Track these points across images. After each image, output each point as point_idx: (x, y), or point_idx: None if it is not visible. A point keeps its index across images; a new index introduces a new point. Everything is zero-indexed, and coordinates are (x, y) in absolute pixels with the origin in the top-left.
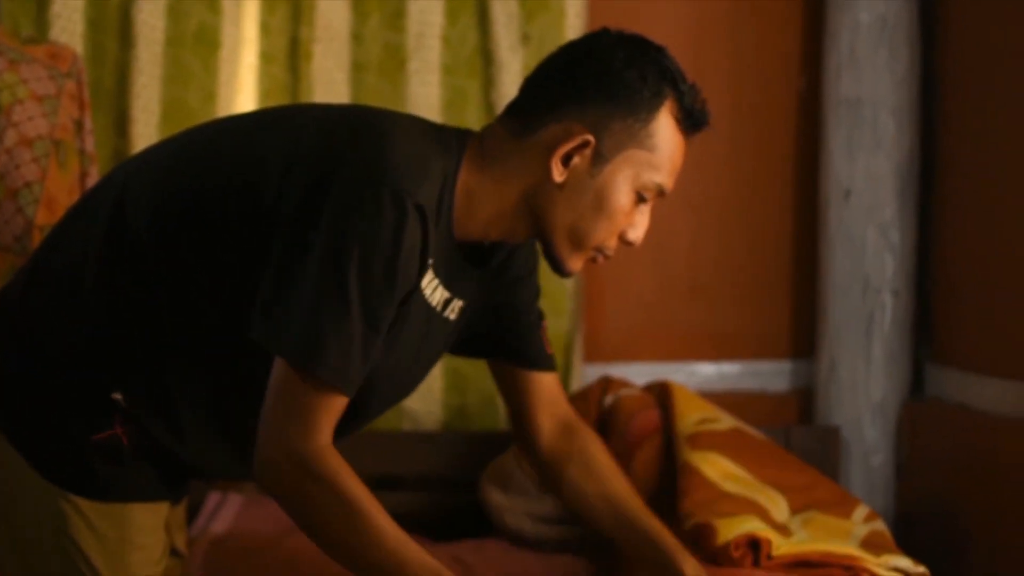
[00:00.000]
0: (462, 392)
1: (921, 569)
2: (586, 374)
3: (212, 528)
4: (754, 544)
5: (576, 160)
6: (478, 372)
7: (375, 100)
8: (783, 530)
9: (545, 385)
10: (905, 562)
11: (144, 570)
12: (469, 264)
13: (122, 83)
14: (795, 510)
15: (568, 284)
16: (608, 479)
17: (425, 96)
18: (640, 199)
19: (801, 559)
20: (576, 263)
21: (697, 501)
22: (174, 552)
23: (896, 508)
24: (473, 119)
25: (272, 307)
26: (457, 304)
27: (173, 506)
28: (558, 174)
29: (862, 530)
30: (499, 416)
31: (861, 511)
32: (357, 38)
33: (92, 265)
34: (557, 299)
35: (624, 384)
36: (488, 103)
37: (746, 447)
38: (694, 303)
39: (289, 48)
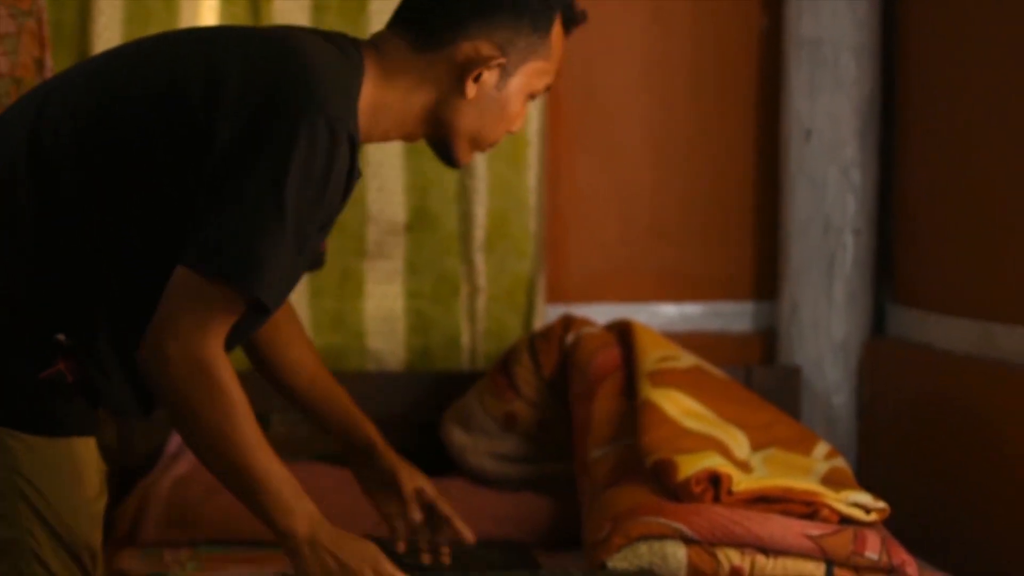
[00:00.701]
0: (425, 333)
1: (881, 504)
2: (549, 315)
3: (175, 468)
4: (715, 480)
5: (485, 76)
6: (441, 312)
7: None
8: (744, 466)
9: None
10: (865, 498)
11: (92, 506)
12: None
13: (83, 23)
14: (756, 447)
15: (530, 226)
16: (295, 348)
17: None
18: (530, 99)
19: (761, 495)
20: (469, 159)
21: (658, 438)
22: None
23: (857, 447)
24: None
25: (207, 230)
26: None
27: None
28: (471, 91)
29: (823, 467)
30: (461, 357)
31: (822, 448)
32: None
33: (19, 198)
34: (520, 240)
35: (586, 323)
36: None
37: (707, 385)
38: (656, 244)
39: None
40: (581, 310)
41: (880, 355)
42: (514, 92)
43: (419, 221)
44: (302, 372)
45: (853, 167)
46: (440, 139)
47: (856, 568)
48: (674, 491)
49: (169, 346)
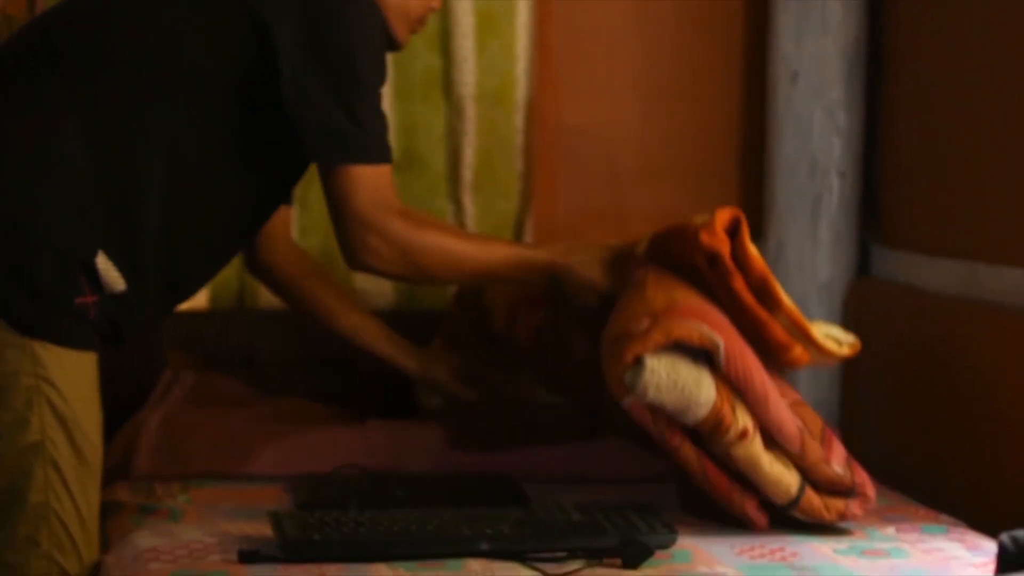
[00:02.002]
0: None
1: (851, 339)
2: None
3: (165, 404)
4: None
5: None
6: None
7: None
8: None
9: (284, 214)
10: (838, 331)
11: (100, 415)
12: None
13: None
14: None
15: (517, 167)
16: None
17: None
18: None
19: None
20: (406, 39)
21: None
22: None
23: (840, 387)
24: None
25: (329, 128)
26: None
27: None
28: None
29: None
30: (448, 296)
31: None
32: None
33: (64, 108)
34: (506, 182)
35: None
36: None
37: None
38: (642, 186)
39: None
40: None
41: (865, 296)
42: None
43: (407, 162)
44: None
45: (839, 109)
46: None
47: (826, 480)
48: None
49: (379, 245)
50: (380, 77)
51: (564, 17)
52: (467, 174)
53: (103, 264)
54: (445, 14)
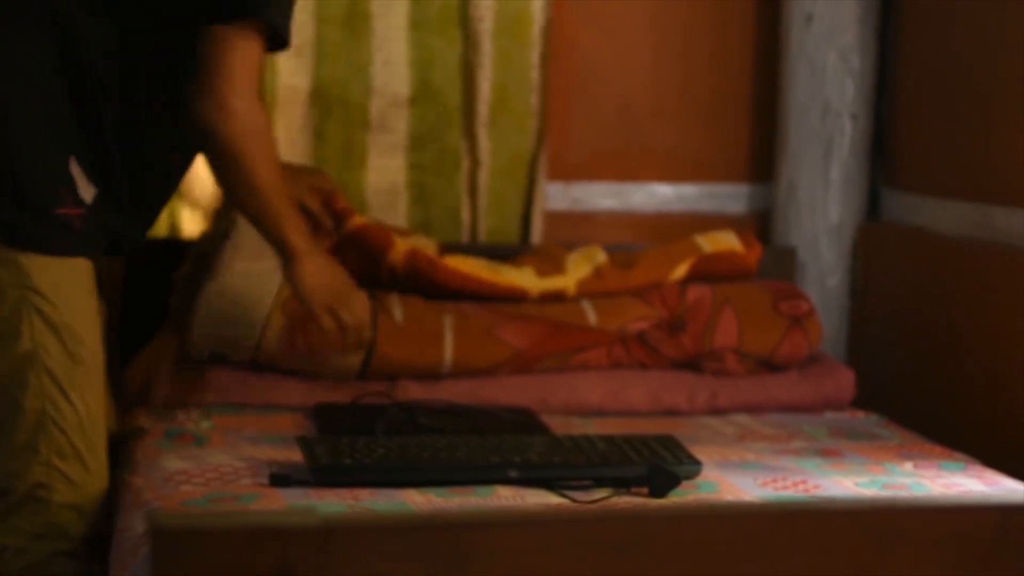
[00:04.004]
0: (425, 206)
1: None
2: (550, 192)
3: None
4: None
5: None
6: (442, 186)
7: None
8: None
9: None
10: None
11: (96, 320)
12: None
13: None
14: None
15: (532, 103)
16: None
17: None
18: None
19: None
20: None
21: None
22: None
23: (850, 329)
24: None
25: None
26: None
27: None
28: None
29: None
30: (461, 229)
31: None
32: None
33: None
34: (521, 117)
35: None
36: None
37: None
38: (655, 125)
39: None
40: (580, 189)
41: (875, 238)
42: None
43: (422, 95)
44: None
45: (852, 52)
46: None
47: None
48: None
49: (232, 102)
50: None
51: None
52: (482, 109)
53: (75, 171)
54: None
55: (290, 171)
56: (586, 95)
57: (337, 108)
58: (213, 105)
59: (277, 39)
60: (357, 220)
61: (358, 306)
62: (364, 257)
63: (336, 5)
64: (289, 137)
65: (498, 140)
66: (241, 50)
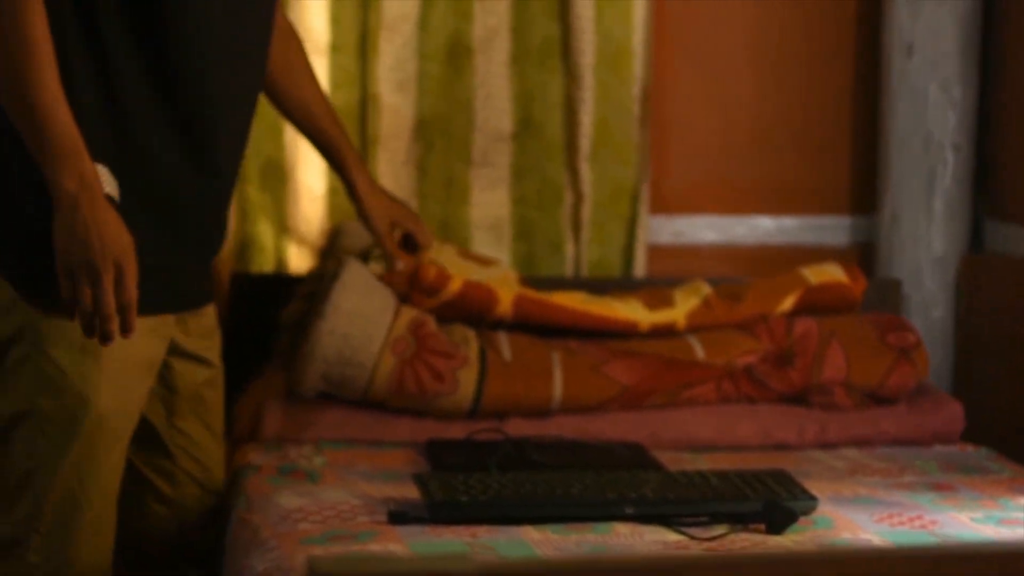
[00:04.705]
0: (529, 240)
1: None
2: (652, 225)
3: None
4: None
5: None
6: (545, 220)
7: None
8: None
9: None
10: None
11: (118, 378)
12: None
13: None
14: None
15: (634, 136)
16: (303, 87)
17: None
18: None
19: None
20: None
21: None
22: (200, 359)
23: (955, 360)
24: None
25: None
26: None
27: (184, 313)
28: None
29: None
30: (564, 263)
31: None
32: None
33: None
34: (623, 150)
35: None
36: None
37: None
38: (756, 156)
39: None
40: (683, 222)
41: (979, 269)
42: None
43: (524, 129)
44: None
45: (954, 82)
46: None
47: None
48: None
49: None
50: None
51: None
52: (584, 142)
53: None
54: None
55: (381, 195)
56: (687, 127)
57: (440, 143)
58: None
59: None
60: (454, 287)
61: (105, 290)
62: (470, 316)
63: (438, 41)
64: (392, 171)
65: (600, 173)
66: None
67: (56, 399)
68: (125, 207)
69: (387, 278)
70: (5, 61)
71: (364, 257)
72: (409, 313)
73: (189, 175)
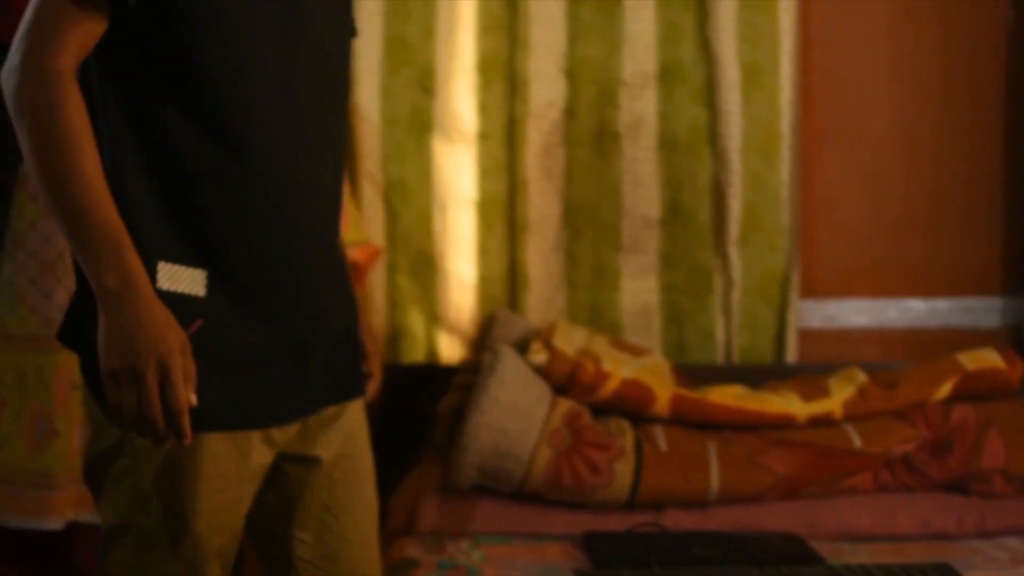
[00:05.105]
0: (679, 326)
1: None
2: (803, 309)
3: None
4: None
5: None
6: (695, 306)
7: (591, 34)
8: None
9: None
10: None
11: (215, 497)
12: None
13: None
14: None
15: (783, 220)
16: None
17: (640, 30)
18: None
19: None
20: None
21: None
22: (305, 459)
23: None
24: (689, 53)
25: None
26: None
27: (292, 423)
28: None
29: None
30: (715, 349)
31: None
32: None
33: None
34: (772, 234)
35: None
36: (703, 37)
37: None
38: (906, 238)
39: None
40: (833, 306)
41: None
42: None
43: (673, 215)
44: None
45: None
46: None
47: None
48: None
49: (15, 57)
50: None
51: (826, 69)
52: (733, 227)
53: (166, 272)
54: (711, 67)
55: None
56: (835, 210)
57: (588, 230)
58: (7, 64)
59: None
60: (611, 385)
61: (149, 395)
62: (627, 412)
63: (585, 128)
64: (541, 259)
65: (750, 258)
66: (41, 10)
67: (151, 516)
68: (210, 305)
69: (542, 370)
70: (42, 154)
71: (519, 348)
72: (564, 405)
73: (270, 261)
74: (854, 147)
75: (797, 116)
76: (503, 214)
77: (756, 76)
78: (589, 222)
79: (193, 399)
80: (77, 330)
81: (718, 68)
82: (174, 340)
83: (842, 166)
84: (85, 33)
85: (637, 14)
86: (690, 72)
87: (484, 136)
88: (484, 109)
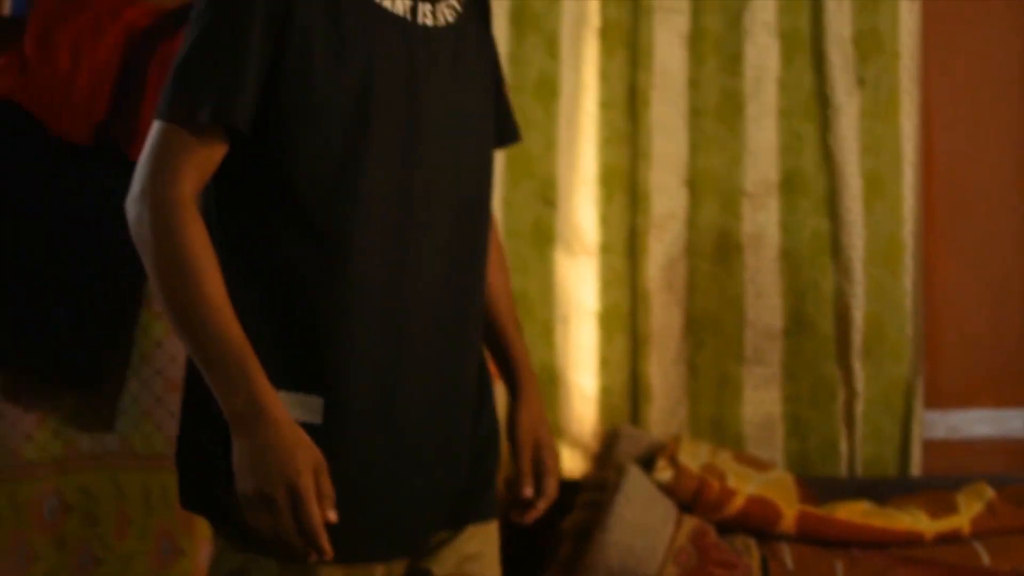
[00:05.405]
0: (802, 438)
1: None
2: (927, 421)
3: None
4: None
5: None
6: (818, 418)
7: (712, 144)
8: None
9: None
10: None
11: None
12: None
13: None
14: None
15: (907, 330)
16: (496, 297)
17: (762, 140)
18: None
19: None
20: None
21: None
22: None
23: None
24: (811, 163)
25: None
26: (426, 7)
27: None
28: None
29: None
30: (839, 461)
31: None
32: (694, 83)
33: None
34: (896, 345)
35: None
36: (825, 146)
37: None
38: None
39: (627, 94)
40: (957, 416)
41: None
42: None
43: (796, 326)
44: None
45: None
46: None
47: None
48: None
49: (136, 186)
50: (230, 15)
51: (949, 176)
52: (856, 338)
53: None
54: (832, 177)
55: (538, 412)
56: (959, 319)
57: (711, 341)
58: (129, 193)
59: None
60: (737, 503)
61: (281, 517)
62: (752, 529)
63: (707, 239)
64: (662, 371)
65: (873, 369)
66: (157, 145)
67: None
68: (328, 433)
69: (667, 487)
70: (166, 279)
71: (644, 463)
72: (690, 523)
73: (389, 389)
74: (978, 254)
75: (920, 224)
76: (625, 326)
77: (878, 185)
78: (711, 333)
79: (331, 516)
80: (188, 455)
81: (840, 178)
82: (303, 461)
83: (966, 274)
84: (203, 161)
85: (759, 124)
86: (812, 182)
87: (605, 248)
88: (605, 221)
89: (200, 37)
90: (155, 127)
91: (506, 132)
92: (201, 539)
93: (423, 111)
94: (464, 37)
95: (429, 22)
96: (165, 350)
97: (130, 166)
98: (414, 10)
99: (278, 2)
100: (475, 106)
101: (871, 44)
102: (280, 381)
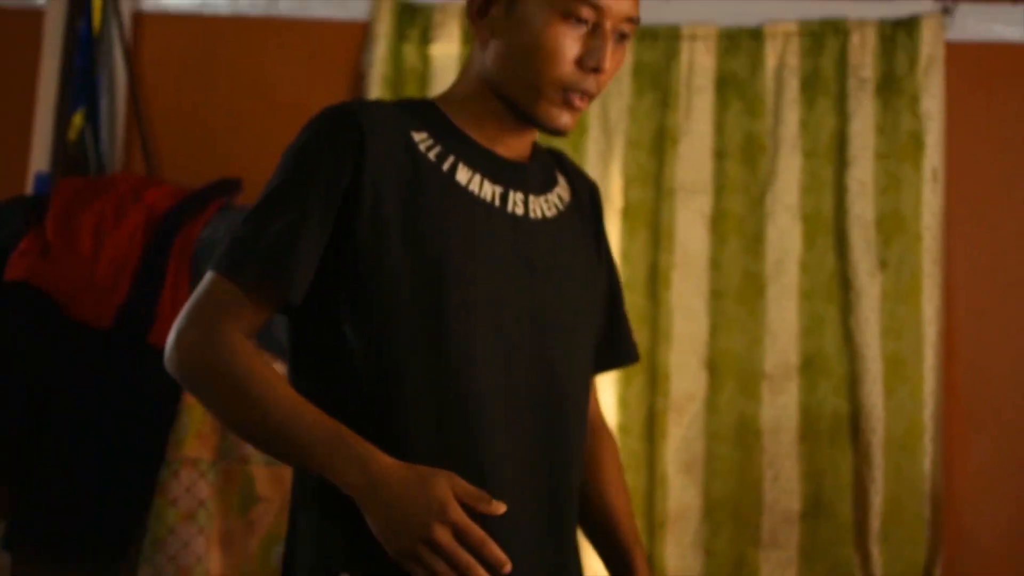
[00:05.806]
0: None
1: None
2: None
3: None
4: None
5: (492, 12)
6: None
7: (733, 326)
8: None
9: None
10: None
11: None
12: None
13: None
14: None
15: (925, 513)
16: (608, 490)
17: (783, 322)
18: (574, 20)
19: None
20: (555, 114)
21: None
22: None
23: None
24: (832, 345)
25: None
26: (518, 196)
27: None
28: (480, 33)
29: None
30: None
31: None
32: (716, 264)
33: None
34: (914, 529)
35: None
36: (847, 329)
37: None
38: None
39: (648, 274)
40: None
41: None
42: (528, 14)
43: (814, 510)
44: (605, 495)
45: None
46: (513, 107)
47: None
48: None
49: (184, 337)
50: (294, 181)
51: (972, 358)
52: (874, 523)
53: None
54: (853, 359)
55: None
56: (980, 500)
57: (728, 524)
58: (167, 344)
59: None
60: None
61: (448, 553)
62: None
63: (726, 422)
64: (679, 554)
65: (891, 554)
66: (205, 291)
67: None
68: None
69: None
70: (232, 403)
71: None
72: None
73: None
74: (1000, 436)
75: (940, 407)
76: (642, 508)
77: (899, 368)
78: (728, 517)
79: (498, 508)
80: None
81: (861, 361)
82: (434, 498)
83: (988, 455)
84: (252, 319)
85: (780, 305)
86: (833, 364)
87: (623, 430)
88: (624, 402)
89: (256, 209)
90: (206, 277)
91: (621, 353)
92: None
93: (498, 297)
94: (563, 234)
95: (519, 211)
96: (178, 536)
97: (150, 349)
98: (504, 197)
99: (344, 173)
100: (564, 304)
101: (893, 226)
102: (347, 566)
